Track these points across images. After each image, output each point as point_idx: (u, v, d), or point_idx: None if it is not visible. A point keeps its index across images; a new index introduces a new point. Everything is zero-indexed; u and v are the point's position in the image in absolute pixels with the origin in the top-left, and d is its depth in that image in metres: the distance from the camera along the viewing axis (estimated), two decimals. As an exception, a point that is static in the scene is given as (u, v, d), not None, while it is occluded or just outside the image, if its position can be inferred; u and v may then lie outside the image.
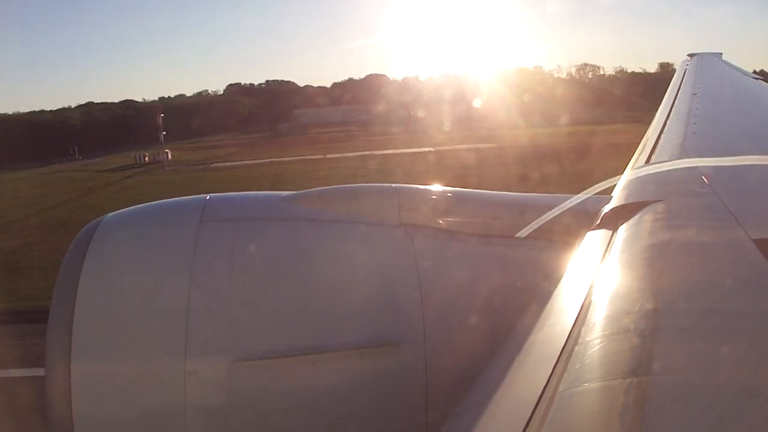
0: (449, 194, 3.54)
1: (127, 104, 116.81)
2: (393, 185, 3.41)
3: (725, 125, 6.52)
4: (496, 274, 3.07)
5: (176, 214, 3.25)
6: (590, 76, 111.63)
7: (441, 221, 3.25)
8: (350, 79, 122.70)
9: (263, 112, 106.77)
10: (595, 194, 3.48)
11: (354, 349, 2.81)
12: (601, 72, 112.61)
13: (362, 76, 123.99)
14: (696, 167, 3.59)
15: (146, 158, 70.49)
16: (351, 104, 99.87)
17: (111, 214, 3.23)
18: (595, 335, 1.68)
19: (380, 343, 2.84)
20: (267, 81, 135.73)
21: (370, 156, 50.53)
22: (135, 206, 3.39)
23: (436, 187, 3.60)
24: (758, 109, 8.56)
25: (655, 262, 2.17)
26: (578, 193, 3.45)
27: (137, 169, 63.10)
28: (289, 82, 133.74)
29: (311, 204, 3.24)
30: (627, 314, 1.75)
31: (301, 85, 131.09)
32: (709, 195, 2.96)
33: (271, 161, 55.76)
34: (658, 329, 1.65)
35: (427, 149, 52.87)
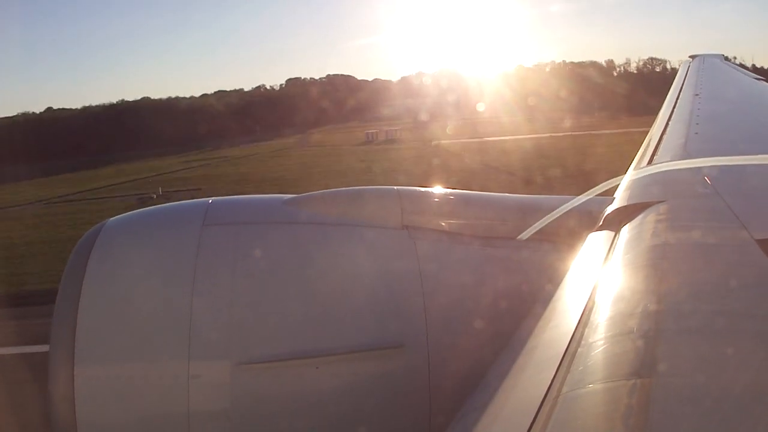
0: (451, 196, 3.54)
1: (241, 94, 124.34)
2: (395, 188, 3.42)
3: (727, 126, 6.52)
4: (498, 276, 3.07)
5: (179, 218, 3.25)
6: (657, 70, 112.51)
7: (443, 223, 3.25)
8: (420, 73, 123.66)
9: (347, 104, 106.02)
10: (598, 195, 3.47)
11: (357, 352, 2.81)
12: (668, 66, 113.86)
13: (435, 71, 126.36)
14: (698, 168, 3.58)
15: (377, 135, 73.97)
16: (426, 97, 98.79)
17: (113, 218, 3.24)
18: (599, 337, 1.67)
19: (383, 346, 2.83)
20: (327, 75, 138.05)
21: (614, 134, 51.30)
22: (137, 210, 3.40)
23: (438, 190, 3.61)
24: (760, 110, 8.56)
25: (658, 263, 2.16)
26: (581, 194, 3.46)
27: (395, 145, 65.33)
28: (349, 76, 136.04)
29: (313, 207, 3.24)
30: (630, 315, 1.75)
31: (359, 78, 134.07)
32: (712, 195, 2.96)
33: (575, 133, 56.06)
34: (662, 330, 1.64)
35: (627, 130, 53.61)
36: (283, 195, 3.41)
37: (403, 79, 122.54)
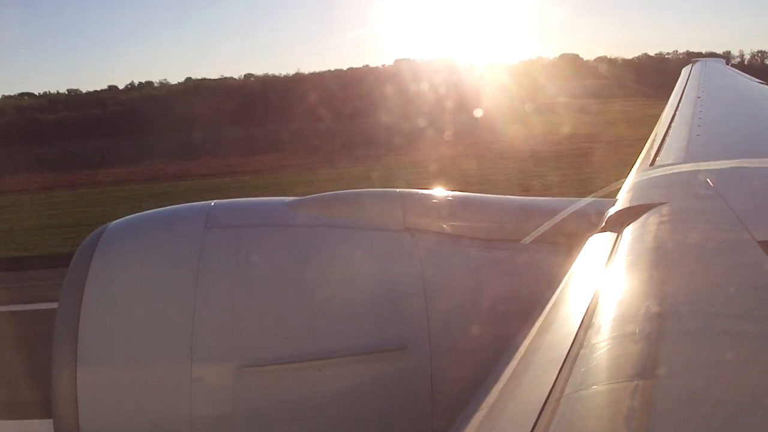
0: (454, 199, 3.54)
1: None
2: (397, 190, 3.42)
3: (729, 128, 6.52)
4: (501, 279, 3.07)
5: (181, 221, 3.26)
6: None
7: (446, 226, 3.25)
8: (540, 57, 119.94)
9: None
10: (600, 197, 3.47)
11: (359, 355, 2.81)
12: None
13: (557, 55, 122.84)
14: (701, 170, 3.57)
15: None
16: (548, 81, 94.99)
17: (116, 221, 3.25)
18: (601, 338, 1.67)
19: (385, 349, 2.83)
20: (436, 58, 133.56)
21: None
22: (139, 213, 3.41)
23: (441, 192, 3.61)
24: (762, 112, 8.55)
25: (660, 264, 2.16)
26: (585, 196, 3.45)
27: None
28: (451, 59, 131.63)
29: (315, 210, 3.25)
30: (633, 317, 1.74)
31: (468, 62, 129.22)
32: (714, 197, 2.95)
33: None
34: (664, 332, 1.64)
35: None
36: (284, 198, 3.41)
37: (521, 63, 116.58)
